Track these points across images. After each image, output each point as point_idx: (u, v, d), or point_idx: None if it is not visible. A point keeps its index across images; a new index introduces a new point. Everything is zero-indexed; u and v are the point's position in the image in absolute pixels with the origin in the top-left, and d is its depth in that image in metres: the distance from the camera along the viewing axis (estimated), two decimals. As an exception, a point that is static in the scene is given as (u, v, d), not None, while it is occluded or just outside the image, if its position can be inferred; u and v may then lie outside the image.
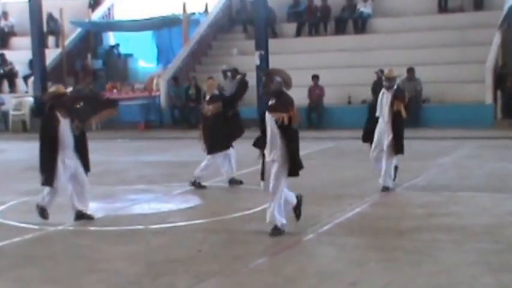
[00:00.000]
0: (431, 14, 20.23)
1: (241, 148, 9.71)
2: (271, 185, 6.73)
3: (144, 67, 23.66)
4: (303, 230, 6.99)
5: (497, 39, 17.63)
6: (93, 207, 8.11)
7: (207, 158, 9.72)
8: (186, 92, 19.66)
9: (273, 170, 6.71)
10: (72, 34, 23.51)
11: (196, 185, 9.72)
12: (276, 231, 6.77)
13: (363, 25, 20.65)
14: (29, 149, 15.98)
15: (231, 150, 9.73)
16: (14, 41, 24.64)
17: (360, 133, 9.35)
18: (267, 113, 6.78)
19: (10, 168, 12.87)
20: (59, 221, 7.73)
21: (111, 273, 5.86)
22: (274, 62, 18.57)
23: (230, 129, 9.66)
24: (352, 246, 6.57)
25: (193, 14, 22.71)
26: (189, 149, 14.85)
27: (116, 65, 23.28)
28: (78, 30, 23.76)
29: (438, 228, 6.99)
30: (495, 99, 16.97)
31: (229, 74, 18.63)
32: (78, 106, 8.10)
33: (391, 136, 8.79)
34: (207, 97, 9.96)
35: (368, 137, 9.09)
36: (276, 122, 6.64)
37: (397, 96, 8.89)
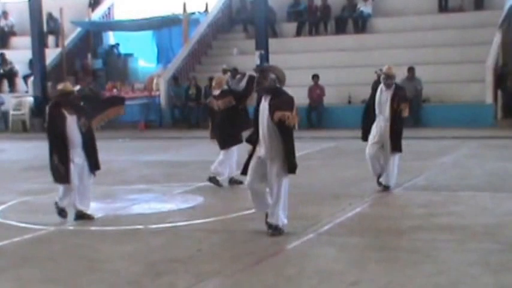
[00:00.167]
0: (431, 13, 20.23)
1: (242, 148, 9.69)
2: (275, 186, 6.69)
3: (144, 67, 23.65)
4: (303, 230, 6.98)
5: (497, 38, 17.63)
6: (93, 207, 8.10)
7: (222, 153, 9.68)
8: (186, 92, 19.66)
9: (273, 170, 6.67)
10: (72, 34, 23.50)
11: (214, 181, 9.68)
12: (277, 231, 6.76)
13: (363, 25, 20.65)
14: (29, 149, 16.03)
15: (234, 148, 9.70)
16: (14, 40, 24.64)
17: (360, 132, 9.31)
18: (261, 110, 6.71)
19: (10, 168, 12.87)
20: (59, 221, 7.72)
21: (111, 273, 5.86)
22: (274, 62, 18.53)
23: (240, 123, 9.63)
24: (353, 246, 6.56)
25: (193, 13, 22.71)
26: (189, 149, 14.87)
27: (116, 65, 23.28)
28: (78, 29, 23.76)
29: (438, 228, 6.98)
30: (495, 98, 16.96)
31: (229, 73, 18.60)
32: (83, 104, 8.10)
33: (391, 134, 8.76)
34: (216, 92, 9.88)
35: (368, 136, 9.05)
36: (280, 121, 6.56)
37: (399, 95, 8.86)
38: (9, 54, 23.12)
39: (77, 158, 7.68)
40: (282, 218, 6.79)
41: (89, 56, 23.33)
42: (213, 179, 9.69)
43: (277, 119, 6.51)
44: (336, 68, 19.22)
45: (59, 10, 22.75)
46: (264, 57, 18.23)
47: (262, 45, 18.38)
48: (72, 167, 7.62)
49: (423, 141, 14.05)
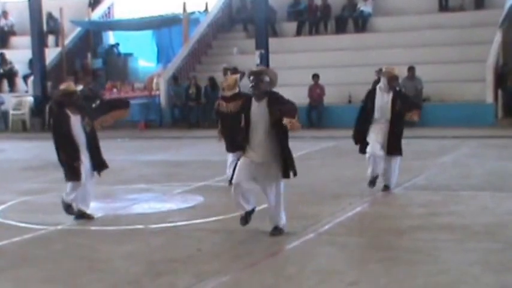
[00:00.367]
0: (432, 12, 20.23)
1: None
2: (274, 188, 6.66)
3: (144, 66, 23.65)
4: (303, 230, 6.97)
5: (498, 38, 17.63)
6: (92, 207, 8.08)
7: (230, 156, 9.59)
8: (186, 92, 19.66)
9: (272, 172, 6.62)
10: (72, 33, 23.50)
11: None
12: (277, 231, 6.75)
13: (363, 24, 20.64)
14: (28, 149, 16.03)
15: None
16: (14, 40, 24.64)
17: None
18: (254, 114, 6.58)
19: (10, 167, 12.86)
20: (59, 221, 7.71)
21: (110, 272, 5.85)
22: (274, 61, 18.60)
23: None
24: (353, 245, 6.55)
25: (193, 13, 22.70)
26: (189, 148, 14.86)
27: (116, 64, 23.27)
28: (78, 29, 23.75)
29: (439, 228, 6.97)
30: (496, 98, 16.96)
31: (229, 72, 18.58)
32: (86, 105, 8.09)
33: (391, 137, 8.71)
34: (227, 93, 9.15)
35: (361, 138, 8.84)
36: (283, 125, 6.52)
37: (407, 102, 8.82)
38: (9, 54, 23.12)
39: (83, 158, 7.67)
40: (282, 218, 6.78)
41: (89, 55, 23.32)
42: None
43: (290, 127, 6.40)
44: (336, 67, 19.21)
45: (58, 10, 22.75)
46: (264, 57, 18.23)
47: (262, 45, 18.38)
48: (81, 165, 7.62)
49: (423, 140, 14.04)
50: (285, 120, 6.37)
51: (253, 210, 6.79)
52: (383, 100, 8.70)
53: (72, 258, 6.38)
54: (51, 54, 22.31)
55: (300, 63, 19.61)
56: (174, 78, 20.34)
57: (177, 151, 14.58)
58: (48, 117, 19.39)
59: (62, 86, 7.97)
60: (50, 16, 23.44)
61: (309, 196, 8.91)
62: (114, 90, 21.05)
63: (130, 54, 23.64)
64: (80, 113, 7.71)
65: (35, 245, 6.91)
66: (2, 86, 22.85)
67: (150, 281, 5.57)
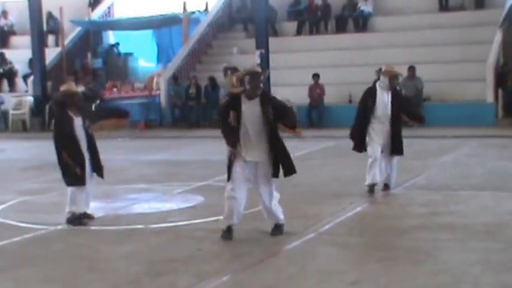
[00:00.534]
0: (432, 12, 20.22)
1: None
2: (268, 186, 6.64)
3: (144, 66, 23.65)
4: (303, 230, 6.96)
5: (498, 37, 17.63)
6: (93, 207, 8.07)
7: None
8: (186, 91, 19.65)
9: (265, 171, 6.59)
10: (72, 33, 23.50)
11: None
12: (278, 229, 6.75)
13: (363, 24, 20.64)
14: (28, 149, 16.02)
15: None
16: (14, 40, 24.64)
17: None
18: (247, 113, 6.49)
19: (10, 167, 12.85)
20: (59, 221, 7.70)
21: (111, 272, 5.84)
22: (274, 61, 18.60)
23: None
24: (353, 245, 6.54)
25: (194, 12, 22.70)
26: (190, 148, 14.86)
27: (116, 64, 23.27)
28: (78, 29, 23.75)
29: (439, 227, 6.96)
30: (496, 97, 16.96)
31: (229, 72, 18.62)
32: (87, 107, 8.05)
33: (393, 137, 8.65)
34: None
35: (359, 136, 8.73)
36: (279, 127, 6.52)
37: (413, 113, 8.77)
38: (9, 53, 23.12)
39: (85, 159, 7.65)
40: (280, 215, 6.78)
41: (89, 55, 23.32)
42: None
43: (297, 133, 6.57)
44: (336, 67, 19.21)
45: (58, 9, 22.74)
46: (265, 57, 18.22)
47: (262, 45, 18.37)
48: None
49: (424, 140, 14.03)
50: (296, 131, 6.54)
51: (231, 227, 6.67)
52: (384, 99, 8.64)
53: (72, 258, 6.38)
54: (51, 54, 22.31)
55: (300, 63, 19.61)
56: (174, 78, 20.33)
57: (177, 151, 14.58)
58: (48, 117, 19.40)
59: (64, 87, 7.92)
60: (50, 16, 23.44)
61: (310, 196, 8.91)
62: (114, 90, 21.05)
63: (130, 54, 23.64)
64: (81, 114, 7.70)
65: (35, 245, 6.90)
66: (2, 85, 22.85)
67: (150, 280, 5.56)
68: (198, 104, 19.23)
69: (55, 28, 23.48)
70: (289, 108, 6.77)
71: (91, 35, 23.96)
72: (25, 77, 22.30)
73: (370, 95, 8.71)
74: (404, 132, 9.05)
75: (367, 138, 8.69)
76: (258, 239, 6.73)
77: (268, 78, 17.62)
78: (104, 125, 8.04)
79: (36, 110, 20.60)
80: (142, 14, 23.06)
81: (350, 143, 8.92)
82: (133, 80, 22.28)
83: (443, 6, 20.25)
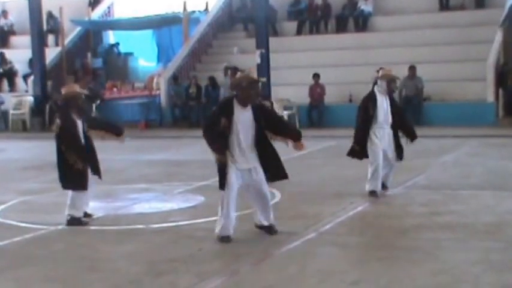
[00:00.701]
0: (432, 12, 20.22)
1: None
2: (261, 189, 6.60)
3: (144, 66, 23.65)
4: (304, 229, 6.96)
5: (498, 37, 17.62)
6: (93, 207, 8.08)
7: None
8: (187, 91, 19.66)
9: (259, 176, 6.55)
10: (72, 33, 23.50)
11: None
12: (273, 229, 6.75)
13: (363, 23, 20.63)
14: (29, 148, 16.02)
15: None
16: (14, 39, 24.63)
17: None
18: (240, 120, 6.40)
19: (10, 167, 12.85)
20: (59, 221, 7.69)
21: (111, 272, 5.84)
22: (274, 61, 18.60)
23: None
24: (354, 245, 6.54)
25: (194, 12, 22.70)
26: (190, 148, 14.84)
27: (116, 64, 23.27)
28: (78, 28, 23.74)
29: (440, 227, 6.96)
30: (497, 97, 16.95)
31: (229, 72, 18.61)
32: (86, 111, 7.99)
33: (396, 142, 8.58)
34: None
35: (363, 146, 8.57)
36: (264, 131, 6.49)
37: (403, 120, 8.69)
38: (9, 53, 23.11)
39: None
40: (272, 217, 6.78)
41: (89, 55, 23.32)
42: None
43: (299, 146, 6.65)
44: (336, 66, 19.20)
45: (58, 9, 22.74)
46: (265, 56, 18.22)
47: (262, 44, 18.37)
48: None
49: (424, 139, 13.92)
50: (300, 144, 6.62)
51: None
52: (383, 104, 8.49)
53: (72, 258, 6.38)
54: (51, 53, 22.30)
55: (301, 63, 19.61)
56: (175, 78, 20.33)
57: (177, 151, 14.57)
58: (49, 117, 19.41)
59: (66, 88, 7.83)
60: (50, 15, 23.44)
61: (310, 196, 8.91)
62: (114, 89, 21.06)
63: (130, 54, 23.64)
64: (82, 116, 7.68)
65: (36, 245, 6.90)
66: (2, 85, 22.84)
67: (151, 280, 5.56)
68: (198, 104, 19.22)
69: (55, 28, 23.48)
70: (286, 121, 6.77)
71: (91, 34, 23.96)
72: (25, 77, 22.29)
73: (370, 101, 8.50)
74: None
75: (369, 144, 8.51)
76: (258, 239, 6.72)
77: (268, 78, 17.64)
78: (97, 134, 7.90)
79: (36, 110, 20.60)
80: (142, 14, 23.05)
81: (351, 143, 8.87)
82: (134, 79, 22.28)
83: (444, 6, 20.24)
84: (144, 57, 23.87)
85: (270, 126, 6.59)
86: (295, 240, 6.60)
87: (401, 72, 15.20)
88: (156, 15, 22.43)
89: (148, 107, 20.12)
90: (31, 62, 21.60)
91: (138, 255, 6.32)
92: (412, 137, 8.79)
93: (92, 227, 7.54)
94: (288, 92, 18.20)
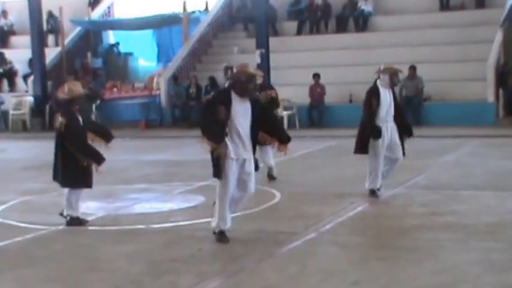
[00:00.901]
0: (432, 11, 20.21)
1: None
2: (252, 181, 6.58)
3: (144, 66, 23.64)
4: (304, 229, 6.96)
5: (499, 37, 17.62)
6: (93, 207, 8.08)
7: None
8: (187, 91, 19.65)
9: (251, 168, 6.52)
10: (72, 33, 23.48)
11: (269, 177, 9.92)
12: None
13: (364, 23, 20.62)
14: (29, 149, 16.01)
15: None
16: (14, 39, 24.62)
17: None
18: (237, 111, 6.37)
19: (10, 167, 12.85)
20: (60, 221, 7.69)
21: (112, 272, 5.84)
22: (275, 61, 18.60)
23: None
24: (354, 245, 6.54)
25: (194, 12, 22.69)
26: (190, 148, 14.82)
27: (116, 64, 23.26)
28: (78, 28, 23.73)
29: (440, 227, 6.96)
30: (497, 97, 16.95)
31: (229, 72, 18.59)
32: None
33: (400, 138, 8.51)
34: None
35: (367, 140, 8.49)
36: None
37: (402, 116, 8.60)
38: (8, 53, 23.10)
39: None
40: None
41: (89, 55, 23.31)
42: (268, 175, 9.92)
43: (284, 149, 6.71)
44: (336, 66, 19.19)
45: (58, 9, 22.73)
46: (265, 56, 18.22)
47: (262, 44, 18.37)
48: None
49: (424, 139, 14.00)
50: (287, 147, 6.67)
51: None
52: (386, 98, 8.39)
53: (73, 258, 6.38)
54: (51, 53, 22.29)
55: (301, 63, 19.60)
56: (175, 78, 20.32)
57: (177, 151, 14.56)
58: (49, 117, 19.40)
59: (68, 86, 7.77)
60: (50, 15, 23.43)
61: (310, 195, 8.90)
62: (114, 89, 21.05)
63: (130, 54, 23.63)
64: (82, 115, 7.67)
65: (36, 245, 6.90)
66: (2, 85, 22.83)
67: (151, 280, 5.56)
68: (199, 104, 19.19)
69: (55, 28, 23.47)
70: (279, 124, 6.77)
71: (91, 34, 23.94)
72: (25, 77, 22.28)
73: (373, 94, 8.39)
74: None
75: (371, 140, 8.40)
76: (259, 239, 6.72)
77: (268, 78, 17.63)
78: (91, 137, 7.87)
79: (36, 110, 20.59)
80: (142, 14, 23.04)
81: (351, 143, 8.85)
82: (134, 79, 22.27)
83: (444, 6, 20.23)
84: (144, 57, 23.86)
85: (262, 125, 6.60)
86: (296, 240, 6.60)
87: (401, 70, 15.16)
88: (156, 15, 22.41)
89: (148, 107, 20.11)
90: (31, 62, 21.59)
91: (138, 255, 6.32)
92: (408, 133, 8.72)
93: (92, 227, 7.54)
94: (288, 92, 18.16)
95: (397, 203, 8.38)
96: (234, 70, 6.94)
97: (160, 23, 22.38)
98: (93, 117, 18.67)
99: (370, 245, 6.54)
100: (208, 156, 6.60)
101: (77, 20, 23.38)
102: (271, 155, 9.77)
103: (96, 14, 24.46)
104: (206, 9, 23.35)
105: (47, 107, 20.05)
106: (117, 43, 23.95)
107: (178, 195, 9.37)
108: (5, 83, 22.81)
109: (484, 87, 17.07)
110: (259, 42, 18.47)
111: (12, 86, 22.72)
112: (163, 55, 23.16)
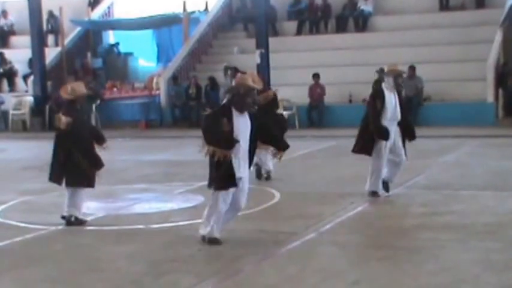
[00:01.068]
0: (432, 11, 20.22)
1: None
2: (243, 203, 6.59)
3: (144, 66, 23.63)
4: (304, 229, 6.97)
5: (498, 37, 17.63)
6: (94, 207, 8.08)
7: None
8: (186, 91, 19.64)
9: (246, 185, 6.53)
10: (71, 33, 23.48)
11: (266, 178, 10.04)
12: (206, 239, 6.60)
13: (363, 23, 20.63)
14: (29, 148, 16.01)
15: None
16: (14, 39, 24.61)
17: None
18: (239, 126, 6.32)
19: (10, 167, 12.85)
20: (60, 221, 7.69)
21: (112, 272, 5.84)
22: (274, 61, 18.60)
23: (278, 119, 9.87)
24: (354, 245, 6.55)
25: (194, 12, 22.67)
26: (190, 148, 14.82)
27: (116, 64, 23.25)
28: (78, 28, 23.72)
29: (440, 227, 6.96)
30: (497, 97, 16.96)
31: (229, 72, 18.60)
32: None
33: (403, 139, 8.47)
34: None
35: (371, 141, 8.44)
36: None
37: (406, 118, 8.55)
38: (8, 53, 23.09)
39: None
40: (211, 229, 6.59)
41: (89, 55, 23.30)
42: (267, 177, 10.02)
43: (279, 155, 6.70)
44: (336, 66, 19.20)
45: (58, 9, 22.72)
46: (265, 56, 18.22)
47: (262, 44, 18.37)
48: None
49: (424, 140, 13.94)
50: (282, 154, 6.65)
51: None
52: (391, 100, 8.32)
53: (73, 258, 6.38)
54: (51, 53, 22.29)
55: (301, 63, 19.60)
56: (174, 78, 20.32)
57: (177, 151, 14.56)
58: (49, 117, 19.40)
59: (75, 86, 7.75)
60: (50, 15, 23.42)
61: (310, 196, 8.91)
62: (114, 89, 21.05)
63: (130, 54, 23.62)
64: (83, 115, 7.67)
65: (36, 245, 6.90)
66: (2, 85, 22.83)
67: (151, 280, 5.56)
68: (198, 104, 19.19)
69: (55, 28, 23.46)
70: (277, 135, 6.77)
71: (91, 34, 23.93)
72: (25, 77, 22.28)
73: (378, 97, 8.33)
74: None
75: (375, 142, 8.35)
76: (259, 239, 6.73)
77: (268, 78, 17.64)
78: None
79: (36, 110, 20.58)
80: (142, 14, 23.04)
81: (351, 143, 8.84)
82: (133, 80, 22.27)
83: (444, 6, 20.23)
84: (144, 57, 23.85)
85: (261, 136, 6.55)
86: (296, 240, 6.60)
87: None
88: (156, 15, 22.41)
89: (148, 107, 20.11)
90: (31, 62, 21.58)
91: (138, 256, 6.32)
92: (410, 137, 8.70)
93: (93, 227, 7.54)
94: (288, 92, 18.15)
95: (397, 202, 8.39)
96: (238, 74, 6.88)
97: (160, 23, 22.38)
98: (93, 117, 18.68)
99: (370, 245, 6.54)
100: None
101: (76, 20, 23.37)
102: (269, 158, 9.76)
103: (96, 14, 24.46)
104: (206, 9, 23.35)
105: (47, 107, 20.05)
106: (117, 43, 23.95)
107: (178, 195, 9.38)
108: (5, 83, 22.80)
109: (483, 88, 17.08)
110: (259, 42, 18.47)
111: (12, 86, 22.72)
112: (163, 55, 23.16)
